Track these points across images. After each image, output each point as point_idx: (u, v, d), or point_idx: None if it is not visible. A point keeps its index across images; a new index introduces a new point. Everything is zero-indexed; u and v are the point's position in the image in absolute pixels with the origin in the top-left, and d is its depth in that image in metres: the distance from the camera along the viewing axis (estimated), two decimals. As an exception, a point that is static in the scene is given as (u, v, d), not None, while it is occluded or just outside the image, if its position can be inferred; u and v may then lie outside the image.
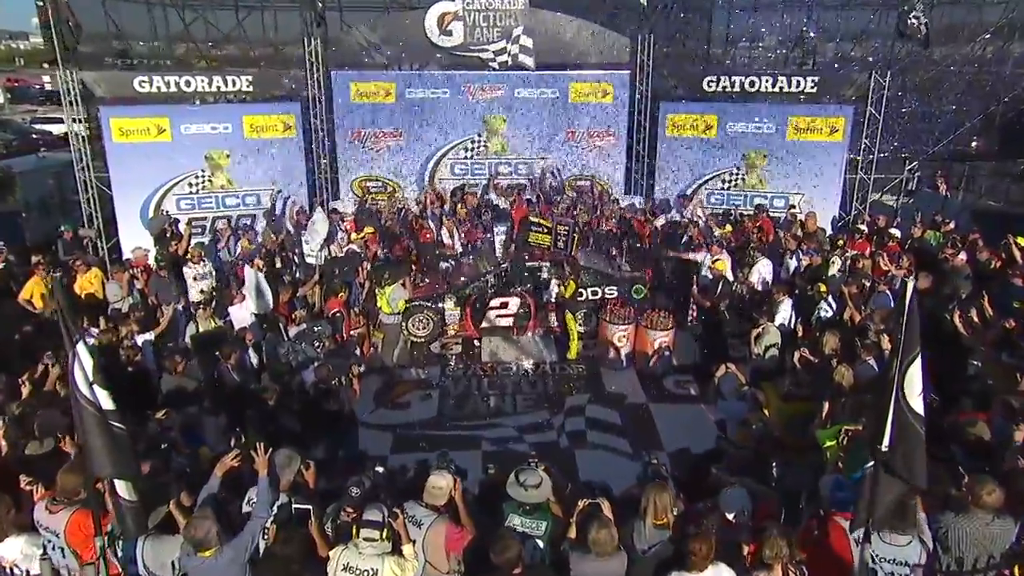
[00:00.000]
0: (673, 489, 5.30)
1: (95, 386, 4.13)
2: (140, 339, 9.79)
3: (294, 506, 5.00)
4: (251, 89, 15.50)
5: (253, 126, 15.46)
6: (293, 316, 10.49)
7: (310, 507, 4.97)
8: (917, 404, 3.94)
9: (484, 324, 12.57)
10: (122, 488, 4.41)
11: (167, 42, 18.94)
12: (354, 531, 4.66)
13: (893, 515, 4.27)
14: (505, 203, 15.66)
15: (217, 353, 8.92)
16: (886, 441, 4.00)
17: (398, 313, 11.56)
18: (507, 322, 12.62)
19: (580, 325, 12.13)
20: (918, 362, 3.93)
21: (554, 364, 11.95)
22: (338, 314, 10.72)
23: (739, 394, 8.60)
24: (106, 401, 4.22)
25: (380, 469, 5.99)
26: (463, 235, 14.56)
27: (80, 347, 4.05)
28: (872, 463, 4.31)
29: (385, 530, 4.62)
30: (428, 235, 14.21)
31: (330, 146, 16.29)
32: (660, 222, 14.80)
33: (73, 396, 4.18)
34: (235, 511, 5.13)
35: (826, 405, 7.57)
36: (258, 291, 10.54)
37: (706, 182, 16.36)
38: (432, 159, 16.54)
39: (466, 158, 16.63)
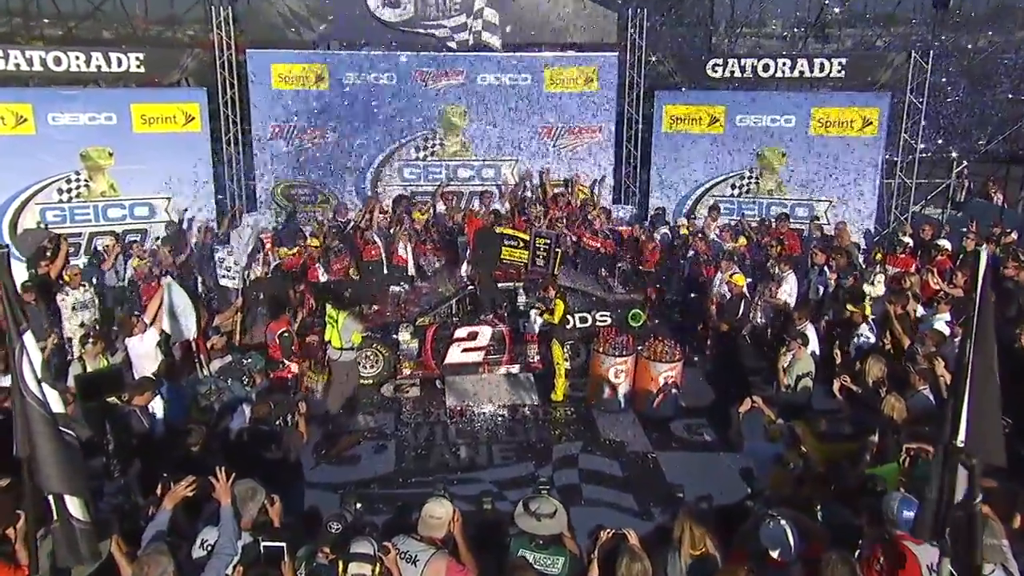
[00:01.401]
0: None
1: (44, 384, 4.45)
2: (5, 381, 9.90)
3: (263, 544, 5.32)
4: (142, 70, 15.89)
5: (145, 117, 15.82)
6: (211, 345, 10.76)
7: (283, 545, 5.29)
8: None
9: (448, 360, 12.95)
10: (74, 506, 4.68)
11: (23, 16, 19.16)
12: (341, 568, 5.01)
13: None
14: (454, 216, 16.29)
15: (117, 398, 9.07)
16: (961, 435, 4.58)
17: (350, 348, 11.75)
18: (476, 357, 13.03)
19: (567, 359, 12.64)
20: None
21: (537, 407, 12.42)
22: (286, 334, 11.13)
23: (771, 432, 9.09)
24: (56, 403, 4.54)
25: (359, 505, 6.34)
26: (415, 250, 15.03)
27: (28, 337, 4.38)
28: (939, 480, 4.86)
29: (378, 564, 5.00)
30: (374, 251, 14.64)
31: (245, 144, 16.76)
32: (659, 235, 15.48)
33: (18, 394, 4.45)
34: (183, 557, 5.43)
35: (875, 441, 8.12)
36: (175, 312, 10.68)
37: (712, 188, 17.24)
38: (375, 161, 17.12)
39: (418, 159, 17.25)
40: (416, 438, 11.55)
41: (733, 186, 17.18)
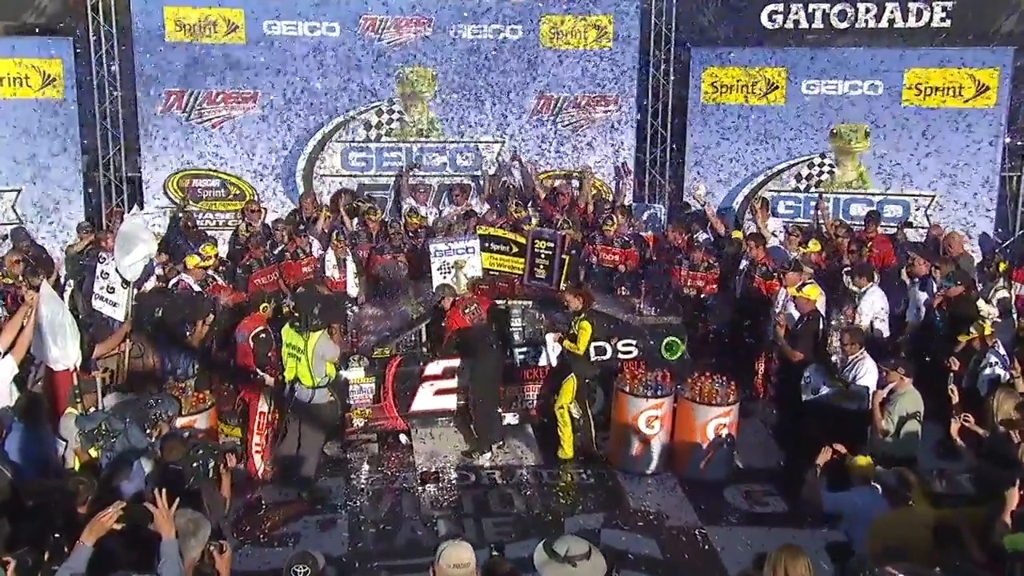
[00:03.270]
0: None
1: None
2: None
3: (211, 595, 5.54)
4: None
5: (-17, 79, 16.07)
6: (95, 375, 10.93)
7: (236, 595, 5.52)
8: None
9: (416, 406, 13.05)
10: None
11: None
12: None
13: None
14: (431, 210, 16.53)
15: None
16: None
17: (323, 386, 11.83)
18: (454, 401, 13.13)
19: (575, 407, 12.69)
20: None
21: (540, 468, 12.63)
22: (263, 335, 11.61)
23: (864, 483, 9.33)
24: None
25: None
26: (364, 262, 15.31)
27: None
28: None
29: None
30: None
31: (127, 117, 16.88)
32: (701, 238, 15.82)
33: None
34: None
35: (1015, 497, 8.39)
36: (59, 331, 10.68)
37: (770, 179, 17.64)
38: (310, 141, 17.36)
39: (369, 139, 17.52)
40: (376, 510, 11.66)
41: (799, 177, 17.57)
